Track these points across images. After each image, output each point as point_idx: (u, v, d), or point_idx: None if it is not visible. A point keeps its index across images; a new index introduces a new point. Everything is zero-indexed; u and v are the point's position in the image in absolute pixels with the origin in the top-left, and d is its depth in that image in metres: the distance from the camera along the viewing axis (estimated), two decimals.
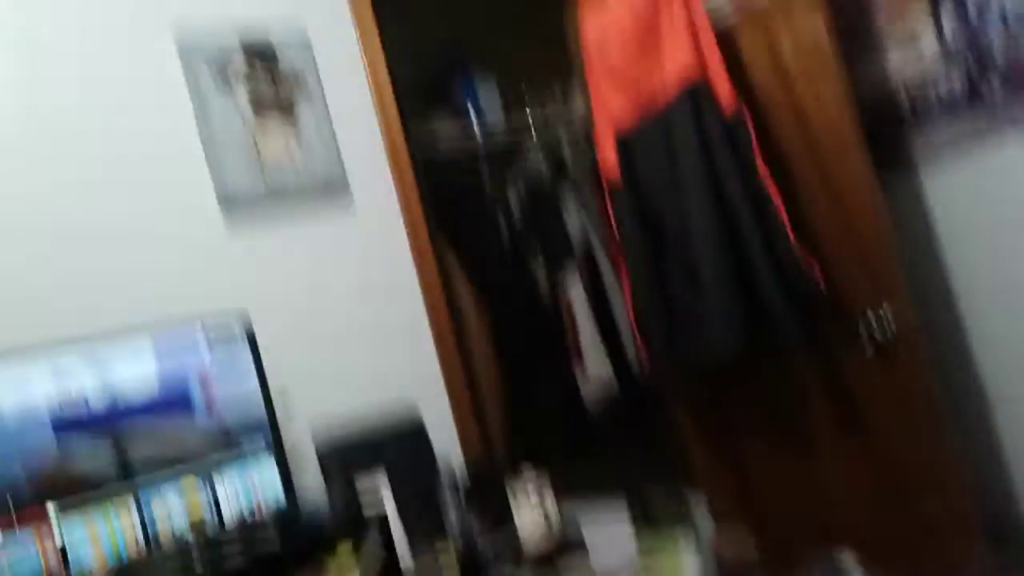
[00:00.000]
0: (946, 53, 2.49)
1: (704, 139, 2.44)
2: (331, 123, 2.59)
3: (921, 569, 2.20)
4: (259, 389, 2.14)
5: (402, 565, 1.97)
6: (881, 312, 2.29)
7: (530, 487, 2.23)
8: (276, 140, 2.53)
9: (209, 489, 2.03)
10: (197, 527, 1.97)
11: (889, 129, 2.62)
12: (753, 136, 2.39)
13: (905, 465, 2.31)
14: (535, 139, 3.05)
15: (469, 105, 3.02)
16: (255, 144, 2.49)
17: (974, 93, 2.43)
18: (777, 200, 2.38)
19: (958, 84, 2.47)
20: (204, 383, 2.09)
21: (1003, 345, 2.41)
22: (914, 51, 2.56)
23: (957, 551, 2.15)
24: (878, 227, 2.31)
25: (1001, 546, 2.14)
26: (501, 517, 2.24)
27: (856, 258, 2.37)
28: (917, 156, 2.56)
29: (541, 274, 2.96)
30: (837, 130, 2.36)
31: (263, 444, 2.12)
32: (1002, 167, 2.37)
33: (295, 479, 2.25)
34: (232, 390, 2.10)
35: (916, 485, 2.29)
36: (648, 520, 2.29)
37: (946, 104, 2.51)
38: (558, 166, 3.05)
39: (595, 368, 2.86)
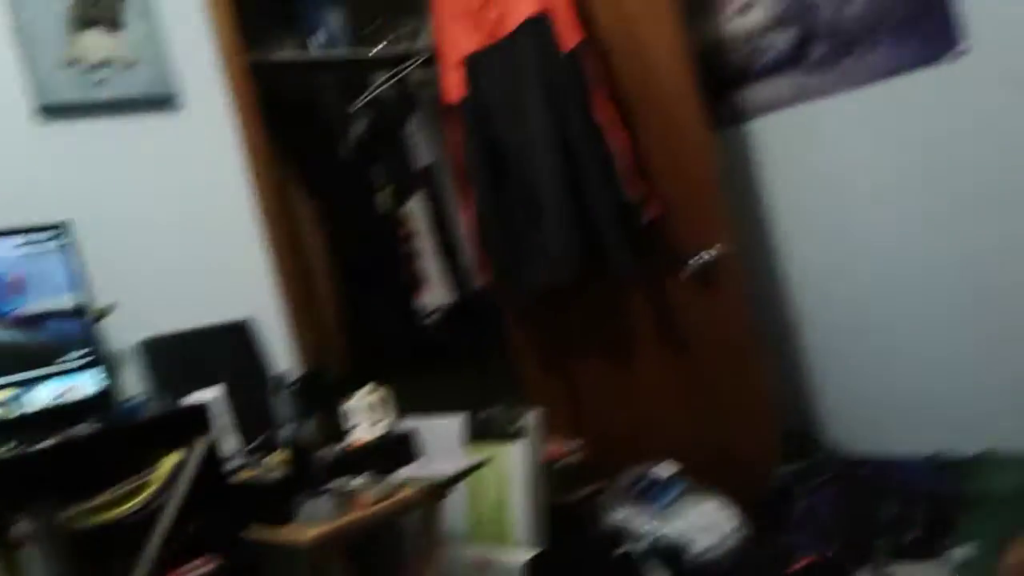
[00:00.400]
0: (778, 16, 2.67)
1: (544, 70, 2.54)
2: (162, 27, 2.48)
3: (726, 476, 2.42)
4: (80, 302, 2.04)
5: (231, 473, 1.95)
6: (708, 249, 2.46)
7: (367, 400, 2.26)
8: (99, 40, 2.38)
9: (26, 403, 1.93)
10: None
11: (725, 84, 2.79)
12: (592, 73, 2.50)
13: (718, 382, 2.53)
14: (383, 65, 3.02)
15: (316, 25, 2.94)
16: (73, 44, 2.34)
17: (801, 55, 2.63)
18: (615, 136, 2.50)
19: (787, 46, 2.66)
20: (16, 293, 1.97)
21: (815, 281, 2.66)
22: (750, 13, 2.73)
23: (760, 464, 2.38)
24: (709, 172, 2.48)
25: (798, 459, 2.38)
26: (335, 428, 2.26)
27: (687, 199, 2.52)
28: (749, 110, 2.75)
29: (385, 194, 2.96)
30: (675, 79, 2.49)
31: (86, 359, 2.03)
32: (821, 124, 2.59)
33: (121, 394, 2.17)
34: (51, 303, 2.01)
35: (728, 404, 2.51)
36: (484, 432, 2.39)
37: (775, 63, 2.70)
38: (405, 91, 3.04)
39: (435, 288, 2.90)
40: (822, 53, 2.60)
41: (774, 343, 2.70)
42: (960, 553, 1.97)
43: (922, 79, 2.38)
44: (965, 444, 2.23)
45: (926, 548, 2.06)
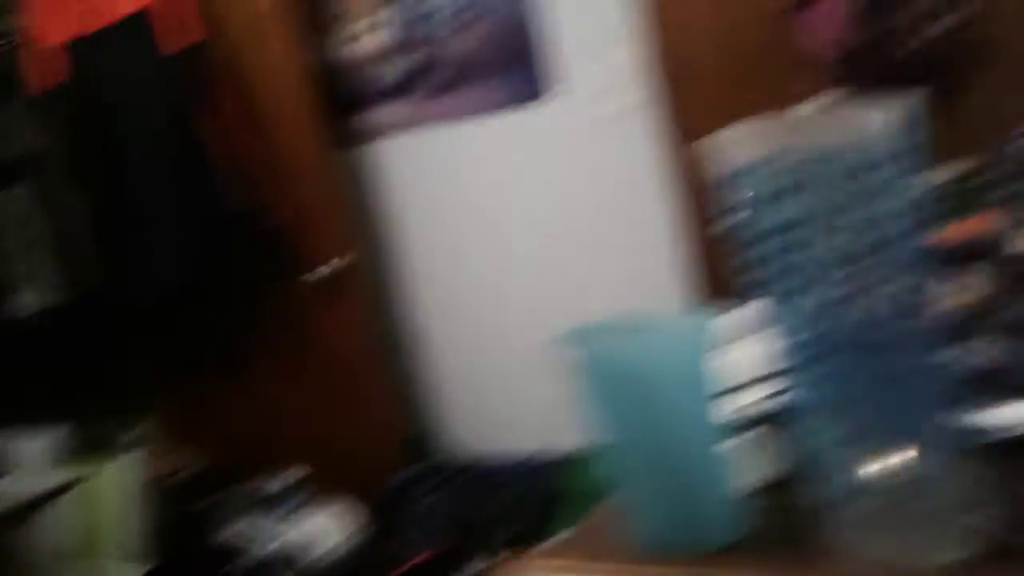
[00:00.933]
0: (397, 43, 2.75)
1: (146, 69, 2.41)
2: None
3: (350, 481, 2.47)
4: None
5: None
6: (331, 261, 2.50)
7: None
8: None
9: None
10: None
11: (349, 103, 2.82)
12: (203, 79, 2.43)
13: (342, 390, 2.58)
14: None
15: None
16: None
17: (416, 82, 2.74)
18: (233, 145, 2.44)
19: (403, 72, 2.75)
20: None
21: (435, 295, 2.80)
22: (371, 37, 2.78)
23: (381, 469, 2.47)
24: (330, 187, 2.53)
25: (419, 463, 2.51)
26: None
27: (310, 212, 2.54)
28: (365, 134, 2.81)
29: None
30: (293, 97, 2.50)
31: None
32: (435, 150, 2.74)
33: None
34: None
35: (351, 411, 2.57)
36: (91, 445, 2.22)
37: (393, 89, 2.77)
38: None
39: (33, 288, 2.63)
40: (436, 83, 2.72)
41: (397, 353, 2.81)
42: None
43: (522, 116, 2.59)
44: (563, 443, 2.49)
45: (530, 540, 2.26)
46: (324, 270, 2.50)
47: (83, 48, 2.47)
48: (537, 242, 2.65)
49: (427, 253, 2.81)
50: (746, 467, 0.79)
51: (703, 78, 2.43)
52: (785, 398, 0.65)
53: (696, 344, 0.71)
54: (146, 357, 2.81)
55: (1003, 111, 2.06)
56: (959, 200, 1.13)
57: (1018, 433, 0.74)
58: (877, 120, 0.61)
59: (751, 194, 0.62)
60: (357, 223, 2.73)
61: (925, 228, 0.62)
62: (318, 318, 2.57)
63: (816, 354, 0.62)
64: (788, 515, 0.72)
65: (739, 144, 0.63)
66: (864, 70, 2.18)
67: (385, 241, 2.86)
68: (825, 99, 1.76)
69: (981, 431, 0.76)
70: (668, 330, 0.76)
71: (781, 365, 0.65)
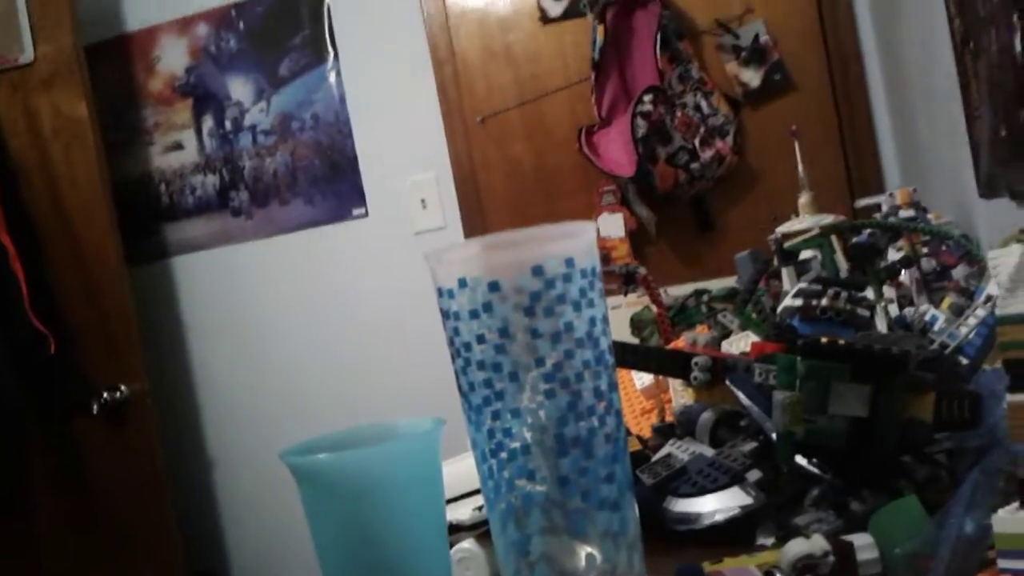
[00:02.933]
0: (204, 158, 2.76)
1: None
2: None
3: None
4: None
5: None
6: (120, 387, 2.36)
7: None
8: None
9: None
10: None
11: (147, 218, 2.76)
12: None
13: (124, 525, 2.39)
14: None
15: None
16: None
17: (225, 198, 2.74)
18: (16, 264, 2.30)
19: (212, 188, 2.75)
20: None
21: (227, 416, 2.69)
22: (177, 151, 2.78)
23: None
24: (123, 307, 2.40)
25: None
26: None
27: (100, 336, 2.41)
28: (172, 248, 2.75)
29: None
30: (92, 212, 2.40)
31: None
32: (242, 265, 2.70)
33: None
34: None
35: (132, 543, 2.38)
36: None
37: (201, 204, 2.76)
38: None
39: None
40: (243, 201, 2.73)
41: (186, 481, 2.66)
42: None
43: (332, 232, 2.63)
44: None
45: None
46: (114, 394, 2.35)
47: None
48: (339, 360, 2.62)
49: (227, 372, 2.71)
50: (468, 572, 0.79)
51: (494, 202, 2.57)
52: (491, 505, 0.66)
53: (424, 453, 0.72)
54: None
55: (748, 232, 2.29)
56: (690, 314, 1.22)
57: (700, 524, 0.80)
58: (568, 245, 0.66)
59: (456, 308, 0.65)
60: (155, 343, 2.63)
61: (608, 337, 0.67)
62: (105, 446, 2.39)
63: (515, 452, 0.64)
64: None
65: (448, 263, 0.66)
66: (647, 189, 2.38)
67: (183, 360, 2.74)
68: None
69: (669, 520, 0.81)
70: (397, 440, 0.76)
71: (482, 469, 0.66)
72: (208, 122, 2.75)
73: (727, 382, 0.86)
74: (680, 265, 2.51)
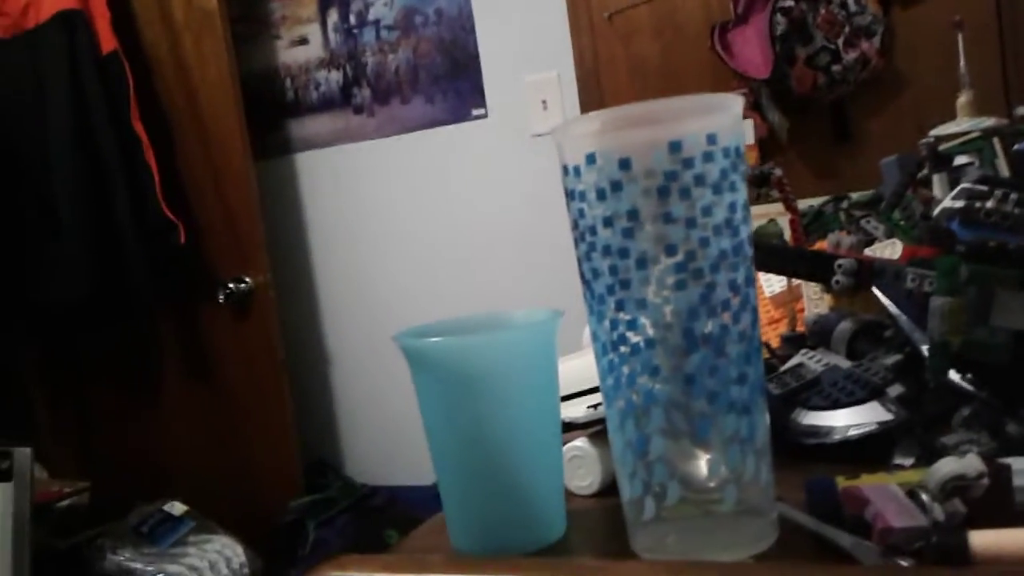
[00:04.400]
0: (329, 56, 2.75)
1: (75, 70, 2.33)
2: None
3: (247, 510, 2.39)
4: None
5: None
6: (244, 279, 2.44)
7: None
8: None
9: None
10: None
11: (272, 113, 2.79)
12: (131, 81, 2.35)
13: (246, 412, 2.50)
14: None
15: None
16: None
17: (348, 95, 2.74)
18: (149, 153, 2.37)
19: (336, 84, 2.75)
20: None
21: (346, 310, 2.75)
22: (302, 46, 2.78)
23: (280, 497, 2.38)
24: (248, 202, 2.45)
25: (320, 490, 2.43)
26: None
27: (226, 228, 2.48)
28: (296, 144, 2.78)
29: None
30: (221, 105, 2.44)
31: None
32: (363, 164, 2.71)
33: None
34: None
35: (253, 430, 2.49)
36: None
37: (325, 101, 2.77)
38: None
39: None
40: (366, 98, 2.72)
41: (304, 375, 2.75)
42: None
43: (451, 133, 2.60)
44: None
45: None
46: (239, 285, 2.43)
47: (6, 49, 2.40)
48: (459, 262, 2.62)
49: (344, 271, 2.75)
50: (579, 470, 0.76)
51: (618, 103, 2.47)
52: (612, 403, 0.63)
53: (538, 344, 0.69)
54: (40, 376, 2.69)
55: (890, 143, 2.13)
56: (827, 222, 1.13)
57: (832, 439, 0.74)
58: (711, 120, 0.59)
59: (582, 187, 0.60)
60: (276, 237, 2.67)
61: (748, 225, 0.61)
62: (228, 335, 2.49)
63: (638, 346, 0.60)
64: (614, 516, 0.68)
65: (575, 137, 0.61)
66: (782, 92, 2.25)
67: (303, 255, 2.80)
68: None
69: (797, 433, 0.76)
70: (512, 329, 0.73)
71: (605, 363, 0.62)
72: (333, 16, 2.73)
73: (874, 288, 0.79)
74: (813, 178, 2.36)
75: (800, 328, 1.00)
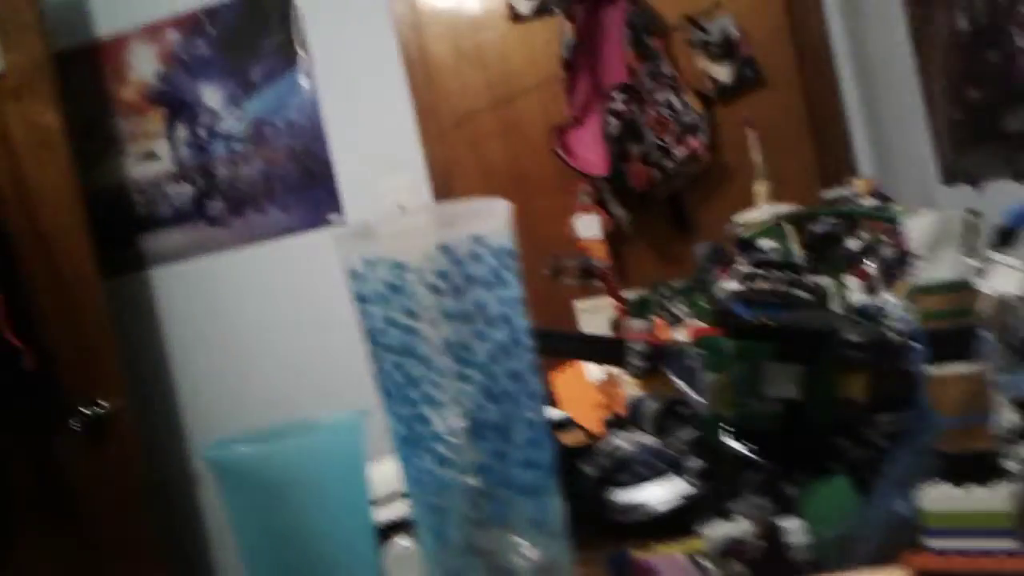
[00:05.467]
0: (179, 169, 2.74)
1: None
2: None
3: None
4: None
5: None
6: (100, 402, 2.34)
7: None
8: None
9: None
10: None
11: (122, 230, 2.74)
12: None
13: (106, 540, 2.36)
14: None
15: None
16: None
17: (201, 207, 2.72)
18: None
19: (187, 197, 2.73)
20: None
21: (212, 428, 2.66)
22: (151, 161, 2.75)
23: None
24: (99, 321, 2.38)
25: None
26: None
27: (77, 350, 2.38)
28: (149, 259, 2.73)
29: None
30: (65, 223, 2.37)
31: None
32: (219, 274, 2.68)
33: None
34: None
35: (114, 559, 2.34)
36: None
37: (177, 214, 2.74)
38: None
39: None
40: (219, 209, 2.71)
41: (171, 496, 2.63)
42: None
43: (309, 239, 2.61)
44: None
45: None
46: (94, 409, 2.32)
47: None
48: (321, 366, 2.59)
49: (207, 383, 2.68)
50: (404, 567, 0.77)
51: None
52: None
53: (342, 446, 0.70)
54: None
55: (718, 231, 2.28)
56: (648, 307, 1.20)
57: (640, 516, 0.78)
58: (478, 223, 0.64)
59: (364, 290, 0.63)
60: (134, 356, 2.60)
61: (523, 317, 0.65)
62: (86, 461, 2.36)
63: (429, 439, 0.62)
64: None
65: (354, 243, 0.64)
66: (622, 189, 2.37)
67: (161, 377, 2.71)
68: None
69: (612, 511, 0.79)
70: (314, 433, 0.75)
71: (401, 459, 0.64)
72: (182, 131, 2.73)
73: (666, 370, 0.85)
74: (658, 265, 2.48)
75: (621, 412, 1.05)
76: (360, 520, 0.71)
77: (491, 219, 0.64)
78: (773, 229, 1.20)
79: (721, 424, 0.72)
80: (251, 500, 0.67)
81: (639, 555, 0.65)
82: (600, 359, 0.84)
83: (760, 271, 0.84)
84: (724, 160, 2.43)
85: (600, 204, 2.46)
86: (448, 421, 0.62)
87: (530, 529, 0.64)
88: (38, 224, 2.41)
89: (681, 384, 0.81)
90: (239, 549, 0.69)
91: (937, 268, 0.61)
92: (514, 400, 0.63)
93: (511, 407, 0.63)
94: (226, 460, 0.68)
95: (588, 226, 2.45)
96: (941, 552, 0.59)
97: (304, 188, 2.64)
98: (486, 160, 2.58)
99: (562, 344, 0.84)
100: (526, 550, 0.64)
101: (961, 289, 0.61)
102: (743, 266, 0.85)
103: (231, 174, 2.70)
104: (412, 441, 0.63)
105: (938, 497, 0.59)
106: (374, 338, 0.64)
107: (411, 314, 0.62)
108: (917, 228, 0.62)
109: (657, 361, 0.83)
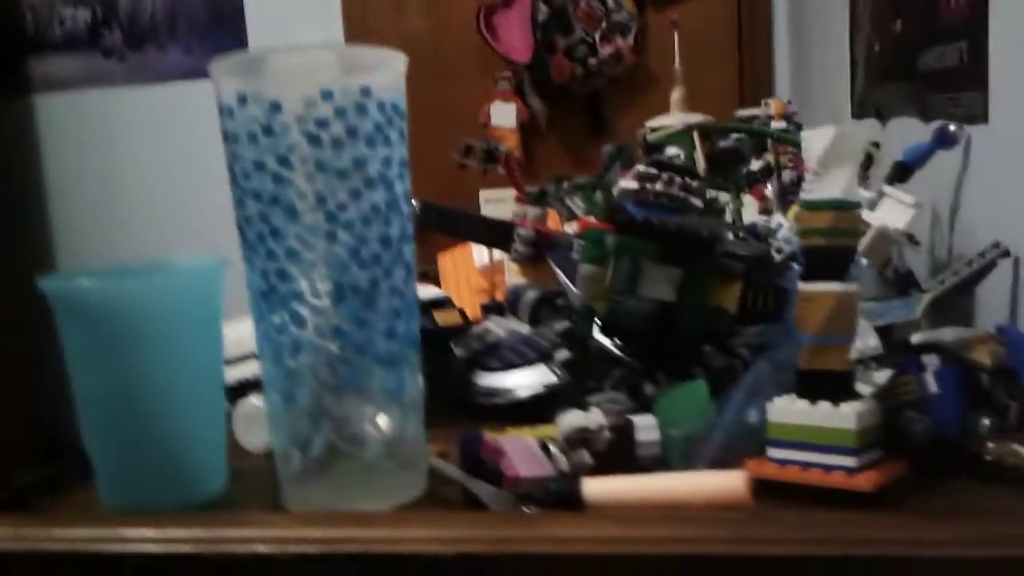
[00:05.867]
0: None
1: None
2: None
3: None
4: None
5: None
6: None
7: None
8: None
9: None
10: None
11: (6, 51, 2.53)
12: None
13: None
14: None
15: None
16: None
17: (96, 35, 2.53)
18: None
19: (83, 23, 2.53)
20: None
21: (82, 263, 2.55)
22: None
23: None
24: None
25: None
26: None
27: None
28: (33, 84, 2.54)
29: None
30: None
31: None
32: (109, 111, 2.52)
33: None
34: None
35: None
36: None
37: (70, 40, 2.55)
38: None
39: None
40: (116, 41, 2.53)
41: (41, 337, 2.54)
42: None
43: (206, 88, 2.47)
44: None
45: None
46: None
47: None
48: (204, 220, 2.49)
49: (85, 225, 2.56)
50: (253, 427, 0.75)
51: None
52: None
53: (197, 291, 0.66)
54: None
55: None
56: (547, 199, 1.18)
57: (503, 399, 0.78)
58: (368, 75, 0.60)
59: (235, 129, 0.59)
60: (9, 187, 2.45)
61: (405, 182, 0.62)
62: None
63: (287, 296, 0.59)
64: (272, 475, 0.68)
65: (229, 74, 0.59)
66: (542, 80, 2.32)
67: (37, 206, 2.57)
68: None
69: (476, 394, 0.79)
70: (169, 274, 0.71)
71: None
72: None
73: (549, 259, 0.83)
74: (569, 163, 2.46)
75: (501, 298, 1.03)
76: (209, 373, 0.68)
77: (384, 72, 0.60)
78: (681, 136, 1.19)
79: (592, 317, 0.72)
80: (90, 340, 0.63)
81: (491, 436, 0.64)
82: (486, 240, 0.82)
83: (658, 173, 0.82)
84: (648, 64, 2.39)
85: (518, 93, 2.41)
86: (310, 280, 0.59)
87: (385, 400, 0.62)
88: None
89: (561, 275, 0.80)
90: (77, 394, 0.66)
91: (827, 186, 0.61)
92: (383, 267, 0.60)
93: (379, 273, 0.60)
94: (66, 293, 0.63)
95: (503, 114, 2.39)
96: (781, 462, 0.60)
97: (210, 29, 2.48)
98: (407, 30, 2.47)
99: (449, 220, 0.82)
100: (379, 420, 0.63)
101: (846, 209, 0.61)
102: (642, 167, 0.83)
103: (133, 3, 2.52)
104: (270, 297, 0.60)
105: (787, 409, 0.60)
106: (239, 182, 0.60)
107: (283, 161, 0.58)
108: (815, 142, 0.61)
109: (542, 249, 0.81)
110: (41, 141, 2.57)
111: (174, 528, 0.57)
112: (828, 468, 0.58)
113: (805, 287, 0.60)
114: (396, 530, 0.55)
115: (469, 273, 1.09)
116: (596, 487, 0.59)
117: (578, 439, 0.62)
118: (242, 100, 0.58)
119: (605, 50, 2.29)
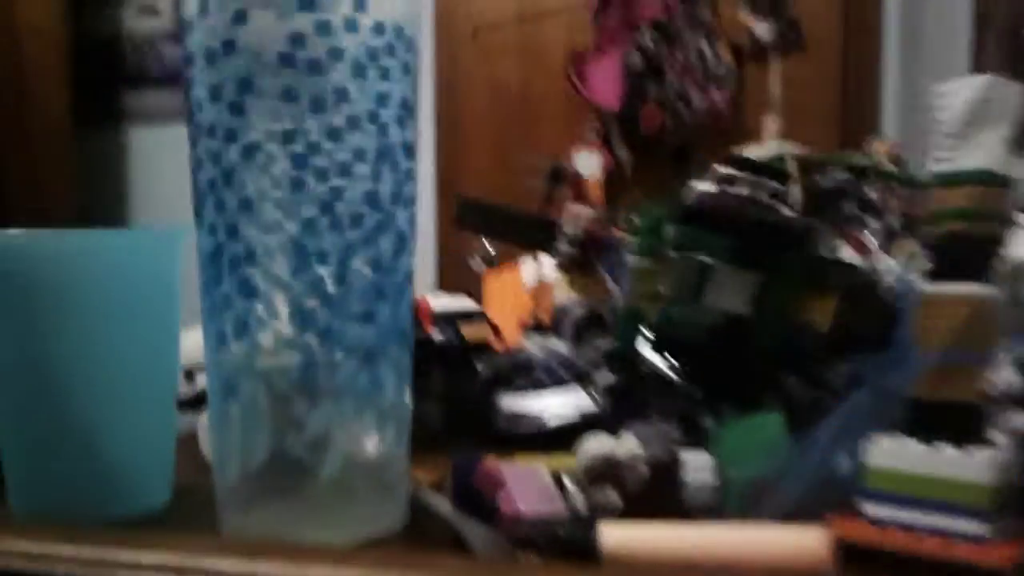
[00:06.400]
0: (177, 26, 2.57)
1: None
2: None
3: None
4: None
5: None
6: None
7: None
8: None
9: None
10: None
11: (107, 81, 2.59)
12: None
13: None
14: None
15: None
16: None
17: None
18: None
19: (182, 61, 2.57)
20: None
21: None
22: (151, 16, 2.59)
23: None
24: (65, 174, 2.25)
25: None
26: None
27: (33, 197, 2.26)
28: (130, 115, 2.59)
29: None
30: (46, 64, 2.24)
31: None
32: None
33: None
34: None
35: None
36: None
37: (167, 75, 2.58)
38: None
39: None
40: None
41: None
42: None
43: None
44: None
45: None
46: None
47: None
48: None
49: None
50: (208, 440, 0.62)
51: (474, 120, 2.41)
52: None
53: (149, 263, 0.54)
54: None
55: None
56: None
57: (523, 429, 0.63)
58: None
59: (192, 49, 0.47)
60: (90, 214, 2.45)
61: (407, 130, 0.49)
62: None
63: (237, 260, 0.46)
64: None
65: None
66: (630, 130, 2.21)
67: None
68: None
69: (497, 419, 0.64)
70: (117, 237, 0.59)
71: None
72: None
73: (600, 267, 0.69)
74: None
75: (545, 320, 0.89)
76: (155, 362, 0.55)
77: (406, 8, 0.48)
78: (777, 163, 1.03)
79: (637, 323, 0.57)
80: (13, 303, 0.52)
81: (491, 462, 0.50)
82: (526, 239, 0.69)
83: (742, 175, 0.67)
84: (744, 121, 2.24)
85: (605, 142, 2.29)
86: (265, 240, 0.46)
87: (355, 402, 0.48)
88: (20, 61, 2.27)
89: (611, 282, 0.66)
90: None
91: (971, 153, 0.45)
92: (364, 230, 0.47)
93: (356, 238, 0.47)
94: None
95: (587, 163, 2.27)
96: (880, 522, 0.43)
97: None
98: (497, 77, 2.40)
99: (487, 217, 0.69)
100: (345, 427, 0.49)
101: (993, 183, 0.45)
102: (724, 168, 0.69)
103: None
104: (217, 259, 0.48)
105: (894, 452, 0.44)
106: (194, 115, 0.48)
107: (243, 85, 0.46)
108: (951, 98, 0.46)
109: (589, 252, 0.67)
110: (130, 171, 2.60)
111: (57, 544, 0.44)
112: (947, 534, 0.41)
113: (931, 289, 0.44)
114: (334, 570, 0.40)
115: (517, 295, 0.95)
116: (619, 535, 0.43)
117: (603, 473, 0.47)
118: (203, 9, 0.46)
119: (700, 102, 2.16)
